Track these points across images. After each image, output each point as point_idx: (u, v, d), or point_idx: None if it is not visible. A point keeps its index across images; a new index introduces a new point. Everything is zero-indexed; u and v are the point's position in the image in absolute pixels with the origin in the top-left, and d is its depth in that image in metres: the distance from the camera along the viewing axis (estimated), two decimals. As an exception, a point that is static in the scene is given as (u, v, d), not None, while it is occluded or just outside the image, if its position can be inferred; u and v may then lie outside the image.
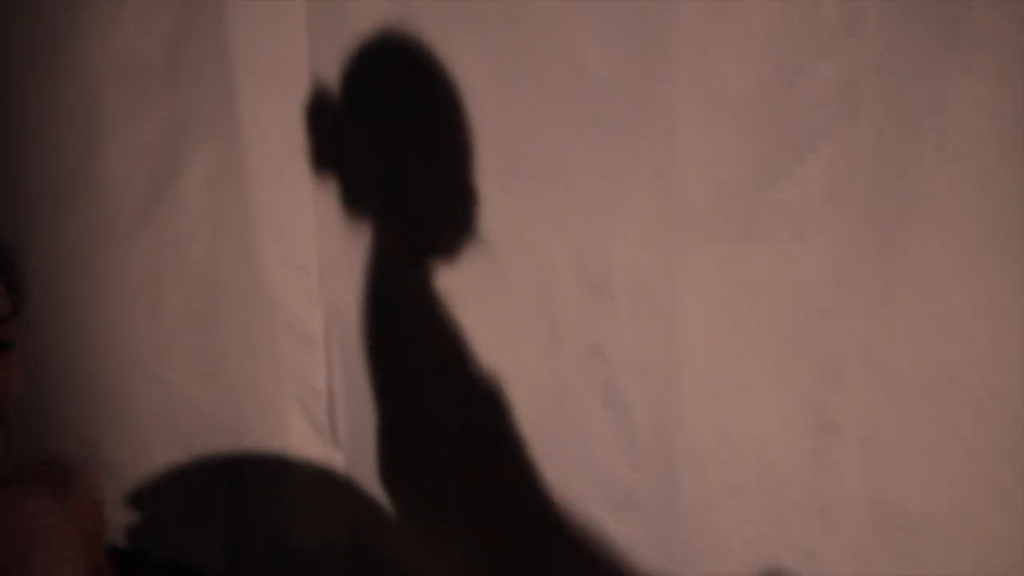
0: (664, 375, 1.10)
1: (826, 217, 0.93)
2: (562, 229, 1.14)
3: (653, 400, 1.13)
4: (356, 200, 1.45)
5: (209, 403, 1.84)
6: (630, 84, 1.01)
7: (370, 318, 1.48)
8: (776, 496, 1.06)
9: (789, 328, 0.99)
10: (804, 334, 0.98)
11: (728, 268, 1.00)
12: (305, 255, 1.56)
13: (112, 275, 1.78)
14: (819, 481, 0.99)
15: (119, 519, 1.82)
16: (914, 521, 0.94)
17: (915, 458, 0.94)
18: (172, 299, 1.78)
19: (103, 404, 1.90)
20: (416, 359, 1.46)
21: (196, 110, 1.66)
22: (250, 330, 1.74)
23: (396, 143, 1.35)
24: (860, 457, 0.96)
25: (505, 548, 1.45)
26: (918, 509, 0.94)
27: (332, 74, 1.39)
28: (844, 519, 1.01)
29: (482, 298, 1.29)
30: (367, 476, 1.69)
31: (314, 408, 1.69)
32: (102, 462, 1.86)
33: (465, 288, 1.31)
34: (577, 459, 1.26)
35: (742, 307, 1.01)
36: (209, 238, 1.73)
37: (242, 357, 1.79)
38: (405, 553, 1.67)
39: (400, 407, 1.54)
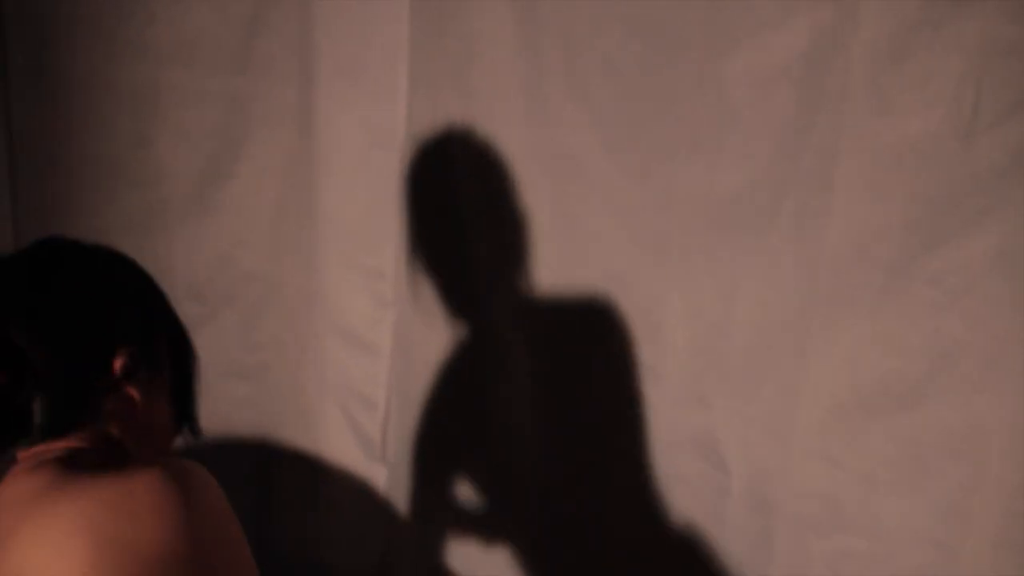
0: (774, 432, 1.05)
1: (983, 291, 0.88)
2: (681, 277, 1.10)
3: (755, 456, 1.09)
4: (440, 214, 1.39)
5: (245, 397, 1.77)
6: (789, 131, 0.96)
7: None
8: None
9: (925, 401, 0.94)
10: (942, 410, 0.93)
11: (864, 333, 0.96)
12: (379, 258, 1.50)
13: (162, 258, 1.71)
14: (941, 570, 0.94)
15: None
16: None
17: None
18: (219, 286, 1.72)
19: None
20: (492, 393, 1.41)
21: (265, 99, 1.60)
22: (299, 329, 1.68)
23: (493, 167, 1.29)
24: (991, 554, 0.91)
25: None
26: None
27: (432, 82, 1.33)
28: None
29: (578, 334, 1.24)
30: (405, 497, 1.64)
31: (363, 419, 1.63)
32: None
33: (561, 322, 1.26)
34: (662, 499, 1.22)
35: (873, 376, 0.96)
36: (265, 230, 1.66)
37: (286, 355, 1.73)
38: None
39: (463, 445, 1.49)
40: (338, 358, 1.64)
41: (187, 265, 1.72)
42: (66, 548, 0.74)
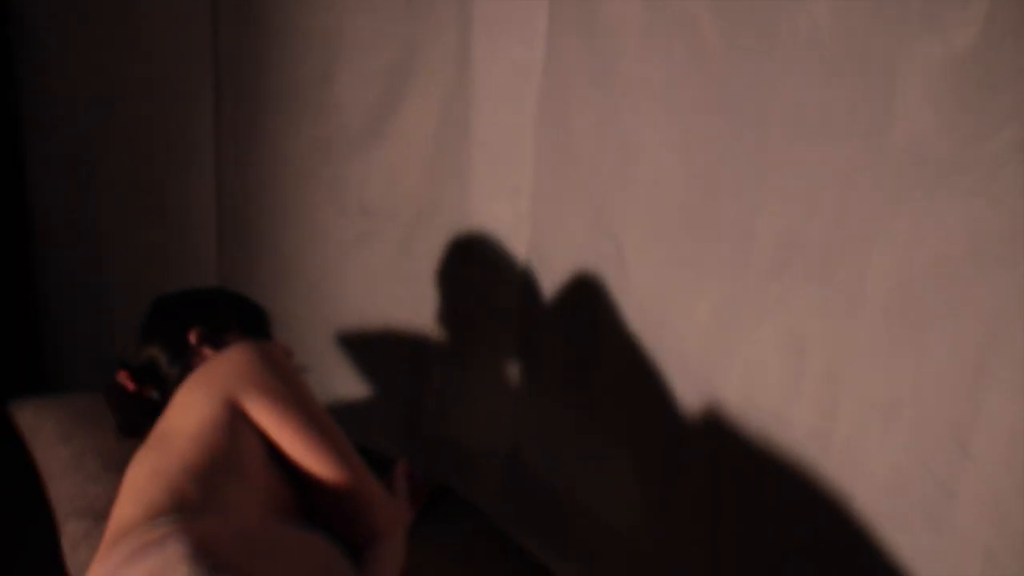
0: (848, 314, 1.26)
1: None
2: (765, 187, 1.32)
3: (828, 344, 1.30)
4: (567, 140, 1.64)
5: (403, 298, 2.07)
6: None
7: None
8: (924, 431, 1.20)
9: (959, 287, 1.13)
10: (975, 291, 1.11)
11: (921, 229, 1.15)
12: (519, 177, 1.77)
13: (339, 178, 2.03)
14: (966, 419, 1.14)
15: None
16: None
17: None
18: (385, 203, 2.02)
19: (307, 294, 2.17)
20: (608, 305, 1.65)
21: (428, 43, 1.86)
22: (451, 241, 1.96)
23: (627, 115, 1.52)
24: (1013, 405, 1.09)
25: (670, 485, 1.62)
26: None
27: (566, 26, 1.58)
28: (985, 460, 1.14)
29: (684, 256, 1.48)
30: (537, 394, 1.90)
31: (505, 325, 1.90)
32: (307, 348, 2.13)
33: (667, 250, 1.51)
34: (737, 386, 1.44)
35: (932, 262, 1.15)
36: (426, 155, 1.94)
37: (439, 262, 2.01)
38: (561, 476, 1.86)
39: (584, 344, 1.73)
40: (482, 265, 1.92)
41: (359, 185, 2.03)
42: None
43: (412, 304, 2.06)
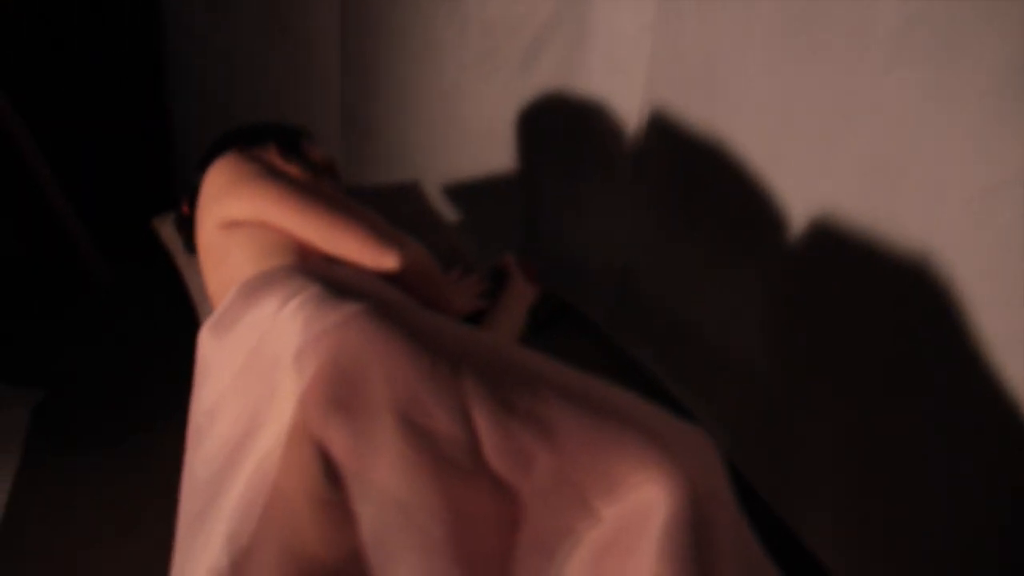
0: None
1: None
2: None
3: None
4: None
5: (521, 115, 2.09)
6: None
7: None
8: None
9: None
10: None
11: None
12: (635, 62, 1.75)
13: (450, 5, 2.03)
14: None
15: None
16: None
17: None
18: (505, 22, 2.01)
19: (426, 114, 2.20)
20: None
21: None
22: (571, 57, 1.94)
23: None
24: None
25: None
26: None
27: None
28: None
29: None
30: (648, 209, 1.92)
31: (616, 132, 1.90)
32: (428, 169, 2.19)
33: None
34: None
35: None
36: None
37: (558, 78, 2.01)
38: (671, 293, 1.90)
39: (694, 163, 1.72)
40: (601, 76, 1.90)
41: (479, 3, 2.02)
42: None
43: (530, 122, 2.07)
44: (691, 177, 1.75)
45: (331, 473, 0.98)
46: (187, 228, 1.54)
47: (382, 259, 1.25)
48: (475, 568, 0.97)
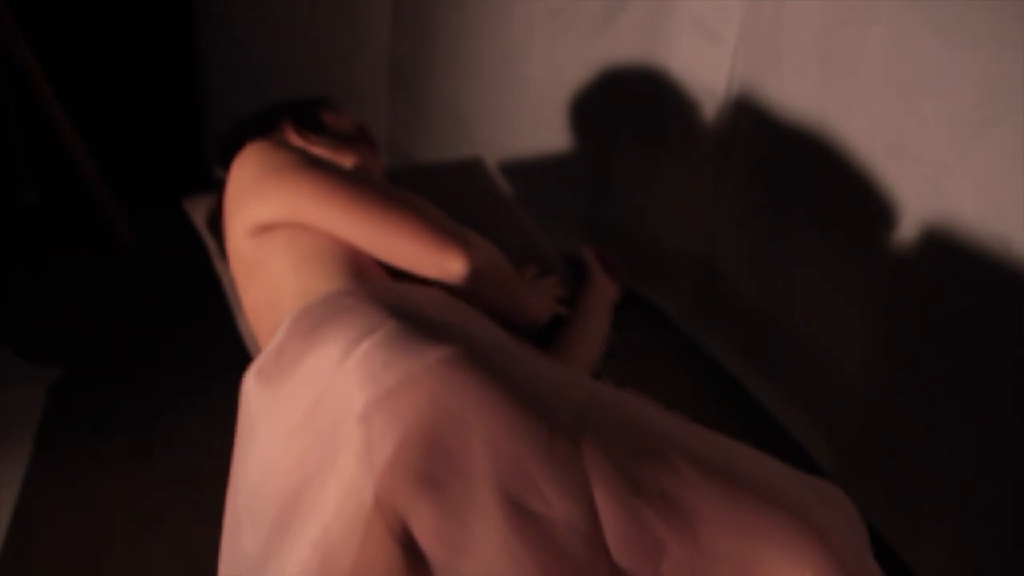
0: None
1: None
2: None
3: None
4: None
5: (593, 86, 1.91)
6: None
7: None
8: None
9: None
10: None
11: None
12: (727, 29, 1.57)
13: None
14: None
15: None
16: None
17: None
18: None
19: (487, 78, 2.01)
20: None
21: None
22: (655, 22, 1.76)
23: None
24: None
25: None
26: None
27: None
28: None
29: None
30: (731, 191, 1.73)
31: (704, 106, 1.71)
32: (483, 136, 2.00)
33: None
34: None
35: None
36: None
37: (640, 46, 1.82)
38: (758, 287, 1.73)
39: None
40: (687, 43, 1.71)
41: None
42: None
43: (603, 90, 1.88)
44: (788, 162, 1.57)
45: (415, 563, 0.79)
46: (220, 231, 1.33)
47: (445, 262, 1.04)
48: None
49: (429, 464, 0.79)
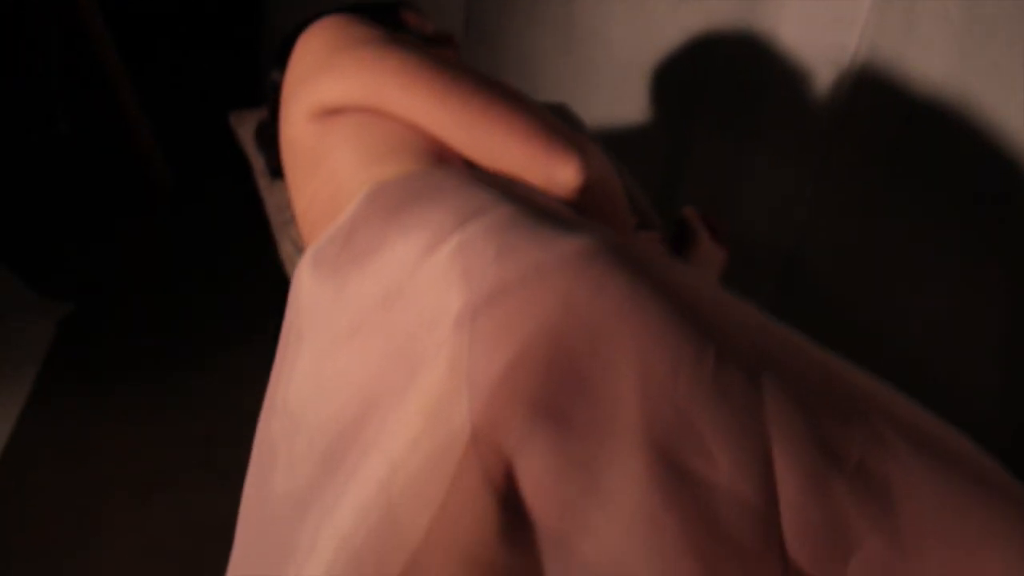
0: None
1: None
2: None
3: None
4: None
5: (678, 56, 1.73)
6: None
7: None
8: None
9: None
10: None
11: None
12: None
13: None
14: None
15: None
16: None
17: None
18: None
19: (561, 38, 1.84)
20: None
21: None
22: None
23: None
24: None
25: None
26: None
27: None
28: None
29: None
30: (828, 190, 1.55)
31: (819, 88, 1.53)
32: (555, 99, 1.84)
33: None
34: None
35: None
36: None
37: (724, 19, 1.63)
38: (859, 288, 1.54)
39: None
40: (795, 20, 1.52)
41: None
42: None
43: (687, 60, 1.69)
44: (913, 149, 1.37)
45: (512, 531, 0.57)
46: (270, 144, 1.12)
47: (556, 169, 0.80)
48: None
49: (553, 390, 0.56)
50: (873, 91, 1.43)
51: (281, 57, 1.04)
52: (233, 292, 1.65)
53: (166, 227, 1.96)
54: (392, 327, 0.62)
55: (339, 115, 0.84)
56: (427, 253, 0.63)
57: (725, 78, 1.70)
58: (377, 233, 0.68)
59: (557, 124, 0.83)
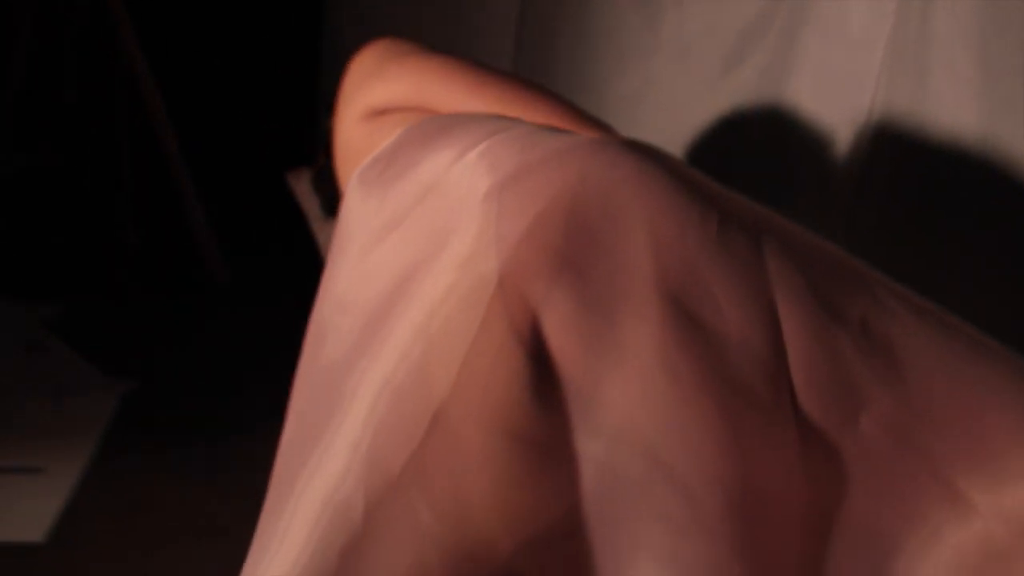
0: None
1: None
2: None
3: None
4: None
5: (721, 131, 1.81)
6: None
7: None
8: None
9: None
10: None
11: None
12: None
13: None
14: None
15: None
16: None
17: None
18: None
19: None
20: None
21: None
22: (780, 67, 1.67)
23: None
24: None
25: None
26: None
27: None
28: None
29: None
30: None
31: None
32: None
33: None
34: None
35: None
36: None
37: (762, 91, 1.72)
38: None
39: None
40: (818, 98, 1.61)
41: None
42: None
43: (723, 134, 1.78)
44: (943, 189, 1.41)
45: (542, 384, 0.61)
46: (326, 183, 1.23)
47: None
48: (764, 569, 0.58)
49: (573, 246, 0.62)
50: (889, 143, 1.49)
51: (334, 106, 1.15)
52: (287, 370, 1.72)
53: (224, 318, 2.06)
54: (426, 215, 0.69)
55: (387, 114, 0.93)
56: (458, 158, 0.71)
57: (757, 145, 1.77)
58: (417, 150, 0.76)
59: (586, 113, 0.92)
